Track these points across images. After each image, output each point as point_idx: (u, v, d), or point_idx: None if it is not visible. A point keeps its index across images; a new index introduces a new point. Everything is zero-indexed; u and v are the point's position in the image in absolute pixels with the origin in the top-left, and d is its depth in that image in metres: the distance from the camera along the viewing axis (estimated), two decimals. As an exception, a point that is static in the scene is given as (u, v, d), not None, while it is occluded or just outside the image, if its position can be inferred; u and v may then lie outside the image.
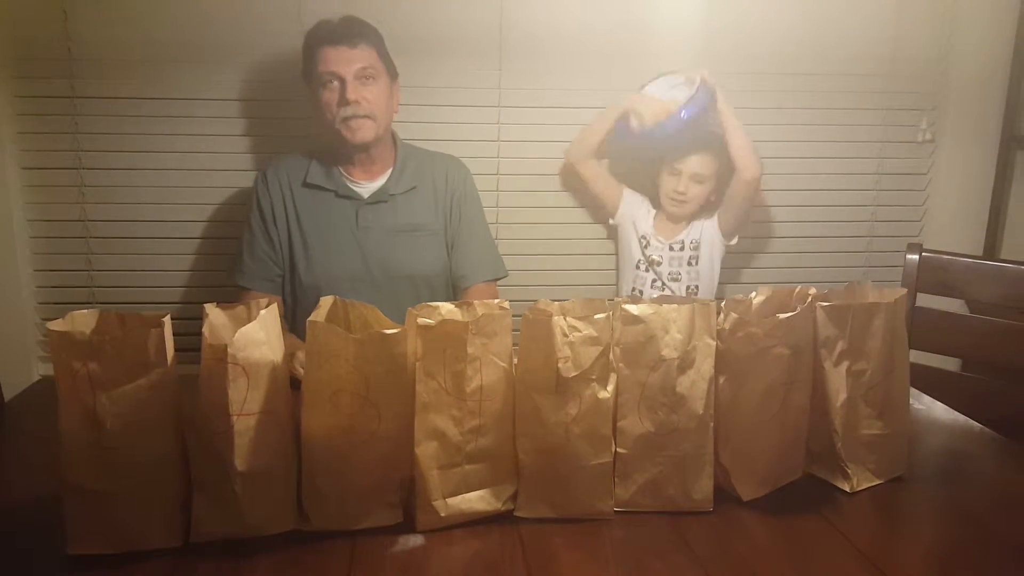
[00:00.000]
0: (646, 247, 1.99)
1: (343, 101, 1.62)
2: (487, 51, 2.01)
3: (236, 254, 1.75)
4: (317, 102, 1.65)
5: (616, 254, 2.10)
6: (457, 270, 1.78)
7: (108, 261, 2.00)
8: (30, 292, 2.01)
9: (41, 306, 2.02)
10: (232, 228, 1.98)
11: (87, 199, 1.96)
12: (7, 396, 1.41)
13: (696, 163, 1.92)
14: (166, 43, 1.91)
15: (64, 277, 2.01)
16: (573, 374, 0.98)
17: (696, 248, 1.97)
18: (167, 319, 0.92)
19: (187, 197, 1.99)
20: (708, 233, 1.98)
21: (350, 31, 1.63)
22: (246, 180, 1.96)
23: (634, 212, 2.02)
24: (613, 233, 2.10)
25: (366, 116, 1.63)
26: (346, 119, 1.63)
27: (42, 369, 2.03)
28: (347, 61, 1.61)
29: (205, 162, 1.98)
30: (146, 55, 1.91)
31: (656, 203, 2.02)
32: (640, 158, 2.03)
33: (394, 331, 0.94)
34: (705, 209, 1.98)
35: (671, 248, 1.97)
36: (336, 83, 1.62)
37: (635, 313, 1.02)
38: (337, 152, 1.71)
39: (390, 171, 1.73)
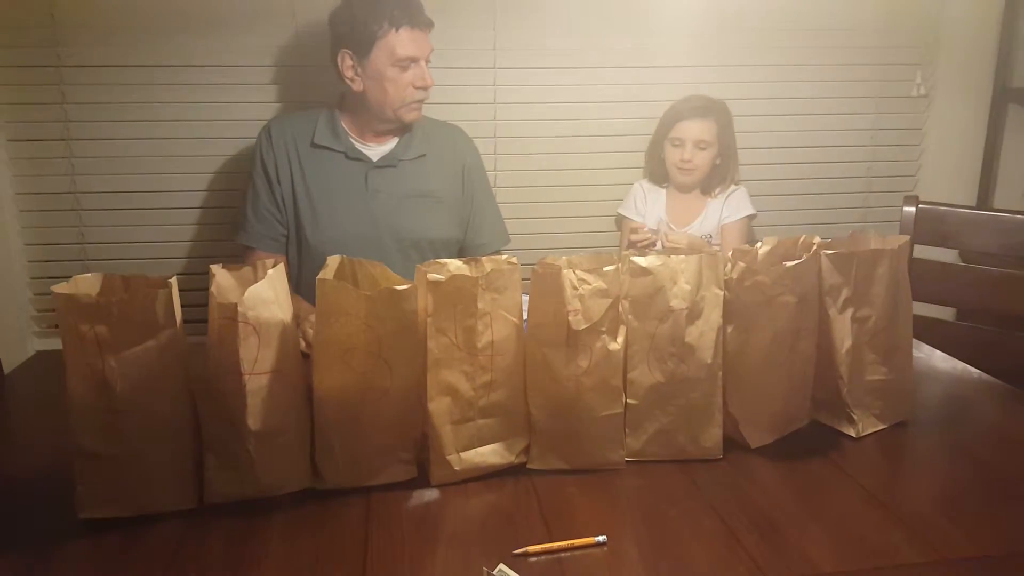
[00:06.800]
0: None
1: (422, 86, 1.64)
2: (481, 11, 1.97)
3: (239, 212, 1.72)
4: (381, 79, 1.62)
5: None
6: (476, 238, 1.80)
7: (100, 233, 1.97)
8: (22, 266, 1.98)
9: (34, 280, 1.99)
10: (224, 197, 1.96)
11: (77, 170, 1.93)
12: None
13: (697, 129, 1.89)
14: (153, 8, 1.86)
15: (56, 250, 1.98)
16: (583, 327, 0.98)
17: (710, 240, 1.92)
18: (174, 280, 0.92)
19: (178, 166, 1.96)
20: (722, 217, 1.92)
21: (423, 14, 1.63)
22: (237, 147, 1.94)
23: (645, 210, 1.97)
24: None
25: (425, 100, 1.68)
26: (416, 102, 1.66)
27: (37, 344, 2.01)
28: (426, 46, 1.64)
29: (195, 130, 1.94)
30: (133, 21, 1.86)
31: (664, 180, 1.98)
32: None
33: (404, 287, 0.93)
34: (712, 182, 1.94)
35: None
36: (413, 66, 1.63)
37: (643, 265, 1.02)
38: (363, 119, 1.69)
39: (399, 137, 1.72)
